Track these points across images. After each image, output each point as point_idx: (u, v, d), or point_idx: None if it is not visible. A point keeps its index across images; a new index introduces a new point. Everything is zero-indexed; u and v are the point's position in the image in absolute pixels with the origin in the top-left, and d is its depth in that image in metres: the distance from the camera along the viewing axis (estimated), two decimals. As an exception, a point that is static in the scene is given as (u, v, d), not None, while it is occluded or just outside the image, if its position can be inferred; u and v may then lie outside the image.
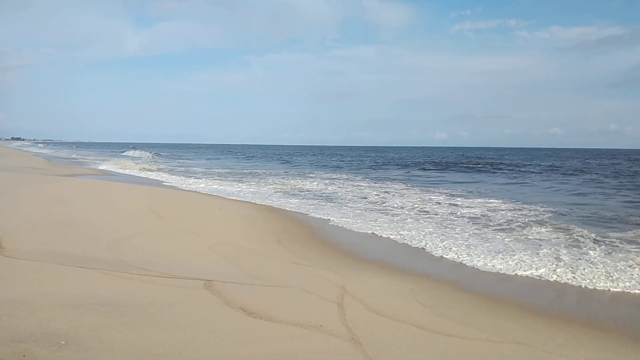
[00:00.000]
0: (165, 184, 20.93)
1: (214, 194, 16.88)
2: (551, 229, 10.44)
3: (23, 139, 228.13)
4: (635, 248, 8.60)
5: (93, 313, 4.21)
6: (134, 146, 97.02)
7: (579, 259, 7.81)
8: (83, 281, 5.23)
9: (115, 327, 3.95)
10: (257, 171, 33.24)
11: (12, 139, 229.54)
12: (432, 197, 17.02)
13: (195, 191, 17.68)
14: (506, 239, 9.39)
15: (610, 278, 6.77)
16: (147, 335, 3.86)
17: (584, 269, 7.16)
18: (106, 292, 4.89)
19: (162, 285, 5.33)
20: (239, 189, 19.27)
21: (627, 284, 6.55)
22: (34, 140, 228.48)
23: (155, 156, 56.86)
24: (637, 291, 6.31)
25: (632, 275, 6.89)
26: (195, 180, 23.57)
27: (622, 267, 7.26)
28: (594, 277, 6.81)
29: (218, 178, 25.40)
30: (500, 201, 15.68)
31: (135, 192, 14.92)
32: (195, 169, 34.39)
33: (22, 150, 64.21)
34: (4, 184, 14.26)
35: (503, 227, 10.81)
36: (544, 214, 12.80)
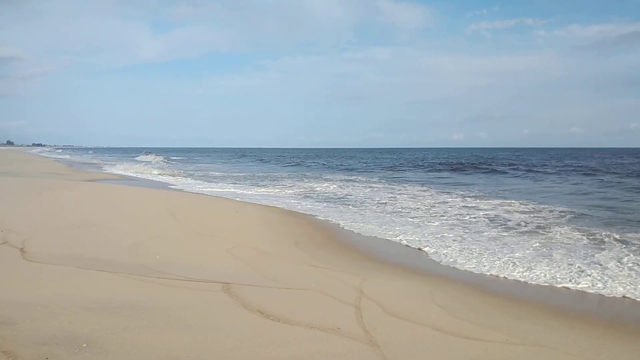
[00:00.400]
0: (184, 188, 21.11)
1: (233, 197, 16.96)
2: (571, 230, 10.27)
3: (44, 145, 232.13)
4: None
5: (113, 316, 4.26)
6: (148, 151, 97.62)
7: (598, 261, 7.68)
8: (103, 284, 5.30)
9: (135, 330, 3.99)
10: (273, 174, 33.35)
11: (33, 145, 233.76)
12: (449, 199, 16.87)
13: (213, 195, 17.80)
14: (524, 242, 9.26)
15: (634, 280, 6.65)
16: (167, 338, 3.89)
17: (607, 271, 7.05)
18: (126, 295, 4.95)
19: (180, 288, 5.37)
20: (257, 192, 19.36)
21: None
22: (54, 146, 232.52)
23: (165, 161, 56.12)
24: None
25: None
26: (214, 184, 23.78)
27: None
28: (617, 279, 6.68)
29: (236, 182, 25.53)
30: (518, 202, 15.42)
31: (154, 196, 15.08)
32: (213, 173, 34.62)
33: (41, 156, 65.36)
34: (26, 189, 14.53)
35: (521, 228, 10.68)
36: (563, 215, 12.61)
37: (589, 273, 6.95)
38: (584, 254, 8.13)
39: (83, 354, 3.42)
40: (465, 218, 12.25)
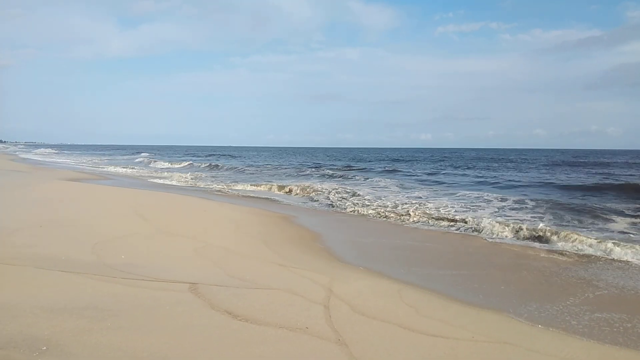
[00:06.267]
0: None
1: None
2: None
3: (4, 142, 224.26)
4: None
5: (76, 317, 4.14)
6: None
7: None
8: (66, 285, 5.15)
9: (99, 332, 3.89)
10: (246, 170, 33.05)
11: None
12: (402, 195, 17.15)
13: (181, 193, 17.54)
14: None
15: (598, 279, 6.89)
16: (132, 340, 3.81)
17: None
18: (90, 296, 4.82)
19: (146, 289, 5.26)
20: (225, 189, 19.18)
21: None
22: (16, 142, 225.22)
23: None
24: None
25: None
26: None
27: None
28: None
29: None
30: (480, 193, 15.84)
31: (120, 195, 14.76)
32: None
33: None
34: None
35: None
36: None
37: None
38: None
39: (43, 357, 3.31)
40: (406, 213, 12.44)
